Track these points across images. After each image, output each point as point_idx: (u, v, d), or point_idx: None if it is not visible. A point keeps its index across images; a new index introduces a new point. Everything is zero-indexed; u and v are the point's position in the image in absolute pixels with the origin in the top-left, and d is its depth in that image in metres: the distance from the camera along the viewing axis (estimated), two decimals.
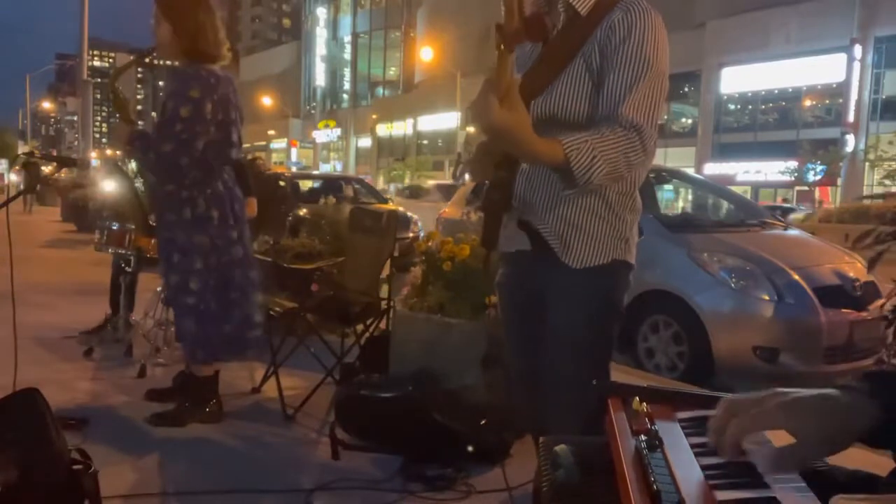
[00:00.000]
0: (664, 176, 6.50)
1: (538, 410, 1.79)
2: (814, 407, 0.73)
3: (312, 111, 68.05)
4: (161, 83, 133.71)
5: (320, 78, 66.95)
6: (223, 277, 2.90)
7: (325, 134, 61.90)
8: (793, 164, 27.98)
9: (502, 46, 1.25)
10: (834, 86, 28.40)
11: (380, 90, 63.28)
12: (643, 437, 0.81)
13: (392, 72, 62.93)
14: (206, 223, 2.84)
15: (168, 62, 2.99)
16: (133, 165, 3.70)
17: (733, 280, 4.08)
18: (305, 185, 11.75)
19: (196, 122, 2.68)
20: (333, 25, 65.14)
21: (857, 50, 26.99)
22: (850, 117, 27.52)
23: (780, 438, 0.74)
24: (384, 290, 3.58)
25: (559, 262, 1.65)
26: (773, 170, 29.34)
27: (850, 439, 0.73)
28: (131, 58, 3.34)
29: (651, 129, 1.48)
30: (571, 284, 1.65)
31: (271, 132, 65.95)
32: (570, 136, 1.39)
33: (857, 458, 0.87)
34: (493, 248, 1.72)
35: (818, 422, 0.72)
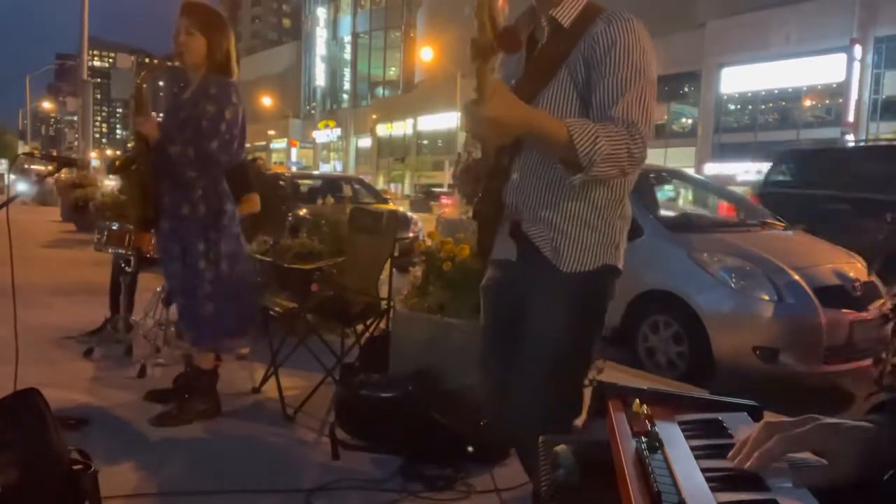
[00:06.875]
0: (664, 176, 6.50)
1: (510, 416, 1.77)
2: (851, 433, 0.74)
3: (312, 111, 68.08)
4: (161, 83, 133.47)
5: (320, 78, 66.97)
6: (238, 264, 3.12)
7: (325, 134, 61.92)
8: None
9: (478, 60, 1.32)
10: (834, 86, 28.38)
11: (380, 90, 63.29)
12: (643, 439, 0.81)
13: (392, 72, 62.93)
14: (224, 216, 3.06)
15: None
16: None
17: (733, 280, 4.07)
18: (305, 184, 11.74)
19: (234, 125, 2.93)
20: (333, 25, 65.16)
21: (857, 50, 26.98)
22: (850, 117, 27.50)
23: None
24: (384, 290, 3.58)
25: (547, 267, 1.65)
26: None
27: (884, 471, 0.73)
28: (132, 58, 3.38)
29: (646, 127, 1.47)
30: (558, 289, 1.65)
31: (271, 132, 65.96)
32: (573, 119, 1.43)
33: None
34: (489, 254, 1.74)
35: (853, 448, 0.73)
